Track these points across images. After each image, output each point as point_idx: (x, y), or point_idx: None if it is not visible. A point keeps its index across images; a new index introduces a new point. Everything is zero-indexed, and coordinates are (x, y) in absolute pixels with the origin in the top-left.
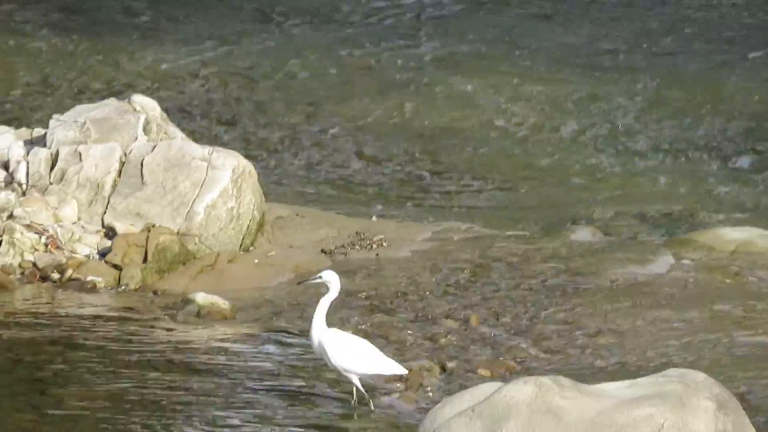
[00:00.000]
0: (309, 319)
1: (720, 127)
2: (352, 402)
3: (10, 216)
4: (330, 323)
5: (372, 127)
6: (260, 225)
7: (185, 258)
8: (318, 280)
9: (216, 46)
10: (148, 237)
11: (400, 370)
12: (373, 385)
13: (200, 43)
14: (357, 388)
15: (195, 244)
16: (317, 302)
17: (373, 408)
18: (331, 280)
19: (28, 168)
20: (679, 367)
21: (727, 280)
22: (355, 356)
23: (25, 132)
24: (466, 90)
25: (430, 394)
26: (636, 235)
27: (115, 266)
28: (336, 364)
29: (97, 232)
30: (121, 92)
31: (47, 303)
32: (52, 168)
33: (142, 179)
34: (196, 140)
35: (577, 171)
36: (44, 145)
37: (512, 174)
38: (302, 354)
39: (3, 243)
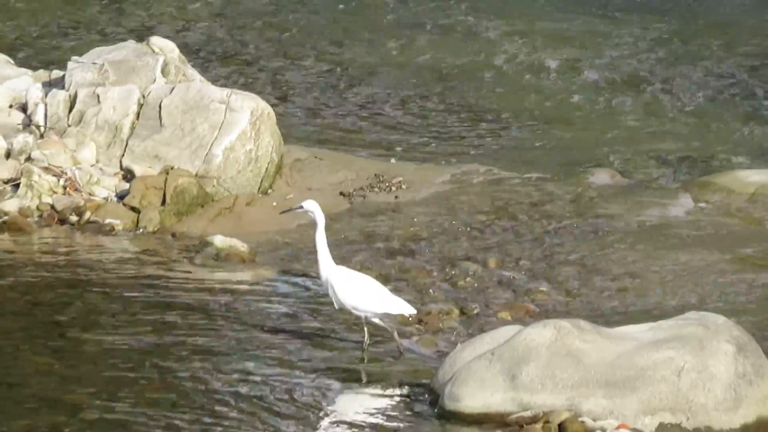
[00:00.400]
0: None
1: (739, 69)
2: (364, 343)
3: (28, 158)
4: (348, 266)
5: (391, 68)
6: (278, 167)
7: (203, 200)
8: (299, 210)
9: None
10: (166, 179)
11: (409, 309)
12: (393, 327)
13: None
14: (367, 326)
15: (213, 186)
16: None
17: (400, 344)
18: (313, 209)
19: (46, 110)
20: (699, 310)
21: (746, 223)
22: (362, 295)
23: (43, 74)
24: (485, 30)
25: (450, 337)
26: (654, 177)
27: (134, 209)
28: (344, 302)
29: (116, 174)
30: (139, 34)
31: (65, 246)
32: (70, 110)
33: (161, 121)
34: (214, 83)
35: (596, 113)
36: (62, 87)
37: (531, 116)
38: (320, 296)
39: (21, 186)
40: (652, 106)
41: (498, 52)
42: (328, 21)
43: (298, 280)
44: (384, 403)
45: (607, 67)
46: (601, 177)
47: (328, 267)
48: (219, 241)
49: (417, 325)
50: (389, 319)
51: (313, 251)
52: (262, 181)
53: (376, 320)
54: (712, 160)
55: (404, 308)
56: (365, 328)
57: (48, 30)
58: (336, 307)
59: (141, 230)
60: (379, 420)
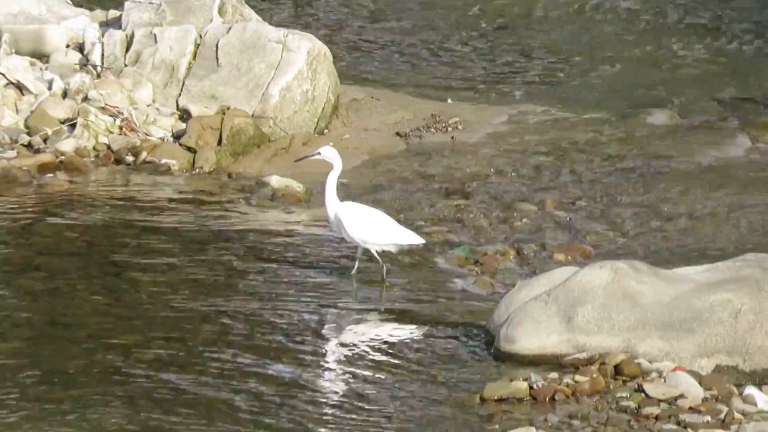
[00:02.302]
0: (381, 202)
1: None
2: (383, 273)
3: (85, 98)
4: (405, 207)
5: (449, 9)
6: (335, 108)
7: (260, 141)
8: (317, 157)
9: None
10: (222, 119)
11: (417, 239)
12: (451, 270)
13: None
14: (375, 258)
15: (269, 126)
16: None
17: (385, 276)
18: (330, 155)
19: (103, 50)
20: (757, 251)
21: None
22: (371, 227)
23: (100, 14)
24: None
25: (505, 278)
26: (713, 118)
27: (190, 149)
28: (352, 235)
29: (172, 114)
30: None
31: (121, 186)
32: (127, 50)
33: (217, 61)
34: (270, 23)
35: (655, 54)
36: (119, 27)
37: (589, 57)
38: None
39: (78, 126)
40: (712, 46)
41: None
42: None
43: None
44: (439, 344)
45: (667, 10)
46: (659, 117)
47: (334, 206)
48: (275, 181)
49: (473, 267)
50: (397, 250)
51: (369, 191)
52: (318, 121)
53: (390, 249)
54: None
55: (412, 239)
56: (379, 259)
57: None
58: (347, 240)
59: (197, 170)
60: (434, 361)
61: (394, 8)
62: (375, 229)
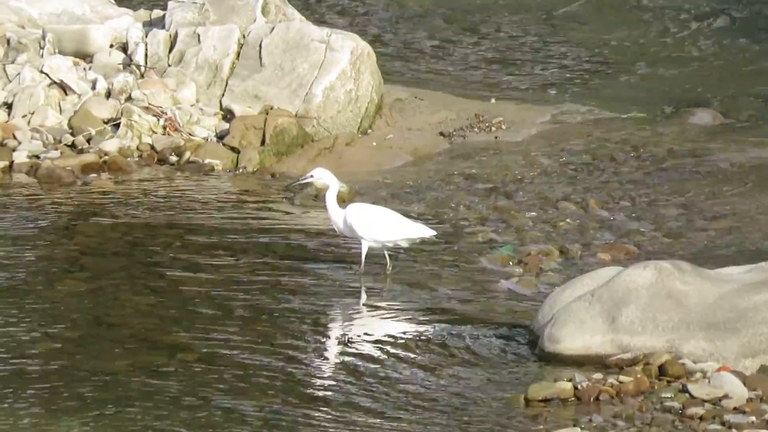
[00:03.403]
0: (425, 202)
1: None
2: (388, 269)
3: (129, 98)
4: (448, 207)
5: (494, 8)
6: (378, 107)
7: (303, 140)
8: (309, 179)
9: None
10: (266, 119)
11: (428, 232)
12: (495, 270)
13: None
14: (387, 256)
15: (313, 126)
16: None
17: (389, 270)
18: (323, 176)
19: (146, 50)
20: None
21: None
22: (381, 224)
23: (143, 14)
24: None
25: (549, 278)
26: (756, 118)
27: (233, 149)
28: (364, 235)
29: (215, 114)
30: None
31: (165, 186)
32: (170, 50)
33: (261, 61)
34: (313, 22)
35: (697, 53)
36: (163, 27)
37: (632, 56)
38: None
39: (121, 125)
40: (755, 46)
41: None
42: None
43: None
44: (483, 344)
45: (710, 9)
46: (703, 117)
47: (340, 215)
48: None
49: (517, 266)
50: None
51: (413, 191)
52: (361, 121)
53: (402, 244)
54: None
55: (423, 231)
56: (387, 257)
57: None
58: (360, 241)
59: (240, 170)
60: (478, 362)
61: (438, 8)
62: (385, 227)
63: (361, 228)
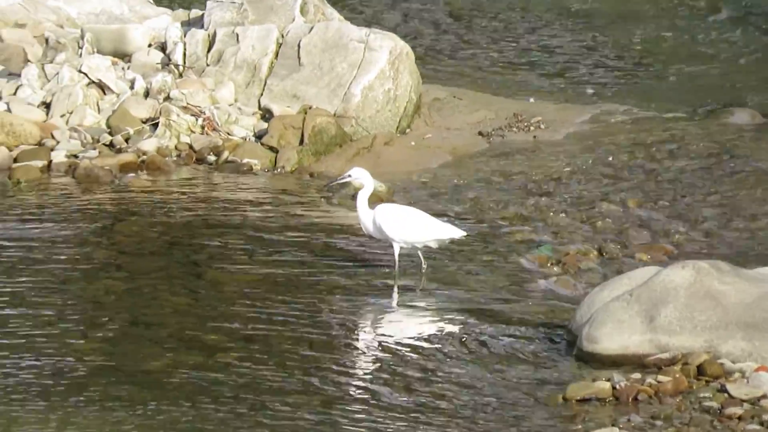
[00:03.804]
0: (463, 202)
1: None
2: (423, 268)
3: (167, 98)
4: (487, 206)
5: (529, 8)
6: (417, 107)
7: (341, 140)
8: (347, 179)
9: None
10: (304, 119)
11: (458, 232)
12: (533, 269)
13: None
14: (420, 256)
15: (351, 126)
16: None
17: (424, 268)
18: (361, 176)
19: (185, 49)
20: None
21: None
22: (410, 225)
23: (182, 13)
24: None
25: (588, 277)
26: None
27: (272, 148)
28: (393, 236)
29: (254, 113)
30: None
31: (203, 185)
32: (208, 49)
33: (299, 61)
34: (352, 22)
35: (735, 52)
36: (201, 27)
37: (671, 56)
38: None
39: (159, 125)
40: None
41: None
42: None
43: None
44: (521, 344)
45: (748, 7)
46: (742, 117)
47: (369, 216)
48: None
49: (555, 266)
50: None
51: (451, 190)
52: (400, 120)
53: (431, 245)
54: None
55: (453, 232)
56: (421, 257)
57: None
58: (390, 242)
59: (279, 170)
60: (516, 361)
61: (476, 8)
62: (414, 227)
63: (390, 229)
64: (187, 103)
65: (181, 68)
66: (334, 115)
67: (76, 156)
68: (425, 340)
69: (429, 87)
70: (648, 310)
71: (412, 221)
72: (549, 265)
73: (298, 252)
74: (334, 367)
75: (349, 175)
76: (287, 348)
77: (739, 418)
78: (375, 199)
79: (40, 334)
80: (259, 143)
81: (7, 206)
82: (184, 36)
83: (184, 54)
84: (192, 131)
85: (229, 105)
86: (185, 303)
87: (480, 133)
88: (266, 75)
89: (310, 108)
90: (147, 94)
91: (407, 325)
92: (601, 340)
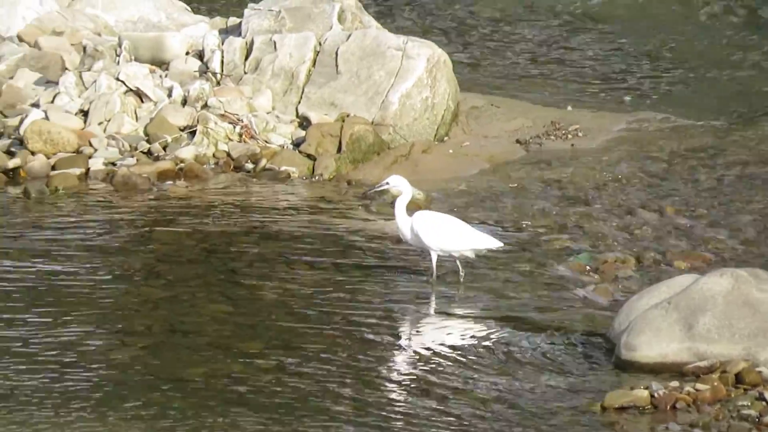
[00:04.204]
0: (501, 210)
1: None
2: (460, 276)
3: (205, 106)
4: (525, 214)
5: (565, 15)
6: (455, 115)
7: (379, 148)
8: (385, 186)
9: None
10: (342, 127)
11: (495, 243)
12: (571, 277)
13: None
14: (458, 264)
15: (389, 133)
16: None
17: (462, 276)
18: (399, 184)
19: (222, 57)
20: None
21: None
22: (448, 233)
23: (219, 21)
24: None
25: (626, 285)
26: None
27: (309, 156)
28: (430, 244)
29: (291, 121)
30: None
31: (241, 193)
32: (246, 57)
33: (337, 69)
34: (389, 30)
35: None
36: (239, 35)
37: (708, 62)
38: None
39: (197, 133)
40: None
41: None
42: None
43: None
44: (560, 352)
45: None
46: None
47: (407, 222)
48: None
49: (593, 274)
50: (476, 255)
51: (489, 198)
52: (438, 128)
53: (468, 254)
54: None
55: (490, 243)
56: (459, 265)
57: None
58: (427, 250)
59: (317, 177)
60: (555, 369)
61: (514, 16)
62: (452, 236)
63: (427, 236)
64: (225, 111)
65: (218, 76)
66: (372, 122)
67: (113, 164)
68: (463, 348)
69: (466, 95)
70: (686, 318)
71: (449, 229)
72: (587, 273)
73: (335, 259)
74: (372, 375)
75: (387, 183)
76: (325, 356)
77: None
78: (413, 207)
79: (78, 343)
80: (296, 151)
81: (45, 214)
82: (222, 44)
83: (222, 62)
84: (230, 139)
85: (267, 113)
86: (223, 311)
87: (517, 141)
88: (304, 83)
89: (347, 116)
90: (185, 102)
91: (445, 333)
92: (640, 348)
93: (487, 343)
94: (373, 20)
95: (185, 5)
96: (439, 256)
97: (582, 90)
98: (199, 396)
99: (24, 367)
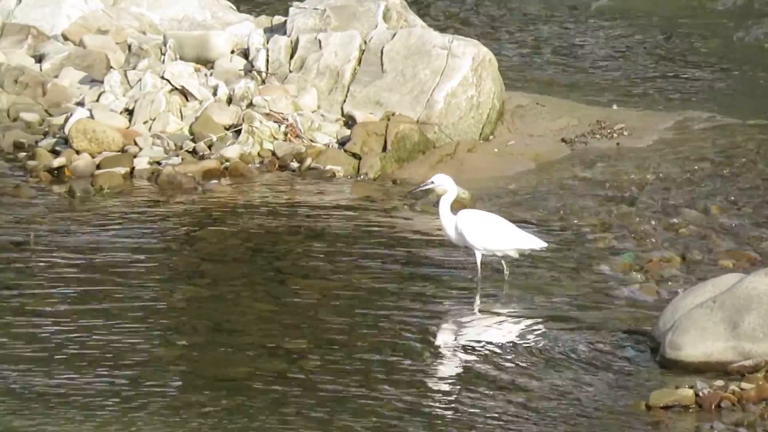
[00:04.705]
0: (546, 209)
1: None
2: (505, 275)
3: (250, 104)
4: (570, 213)
5: (611, 15)
6: (500, 114)
7: (424, 147)
8: (430, 186)
9: None
10: (387, 125)
11: (539, 243)
12: (616, 276)
13: None
14: (503, 263)
15: (434, 132)
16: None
17: (507, 276)
18: (444, 182)
19: (267, 56)
20: None
21: None
22: (492, 232)
23: (264, 20)
24: None
25: (671, 285)
26: None
27: (354, 155)
28: (474, 242)
29: (336, 120)
30: None
31: (286, 192)
32: (291, 56)
33: (382, 67)
34: (435, 28)
35: None
36: (284, 33)
37: (756, 62)
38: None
39: (242, 132)
40: None
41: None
42: None
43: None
44: (604, 351)
45: None
46: None
47: (452, 221)
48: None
49: (638, 273)
50: (520, 255)
51: (534, 197)
52: (483, 127)
53: (512, 254)
54: None
55: (534, 243)
56: (503, 264)
57: None
58: (471, 249)
59: (362, 176)
60: (600, 368)
61: (558, 15)
62: (496, 235)
63: (471, 235)
64: (270, 110)
65: (263, 75)
66: (417, 121)
67: (158, 163)
68: (507, 347)
69: (512, 94)
70: (731, 317)
71: (493, 229)
72: (632, 272)
73: (380, 259)
74: (416, 374)
75: (432, 182)
76: (369, 355)
77: None
78: (458, 206)
79: (122, 341)
80: (341, 150)
81: (90, 213)
82: (267, 42)
83: (267, 60)
84: (275, 138)
85: (312, 111)
86: (268, 310)
87: (563, 140)
88: (349, 81)
89: (392, 114)
90: (230, 101)
91: (489, 332)
92: (684, 347)
93: (531, 342)
94: (419, 19)
95: (230, 4)
96: (483, 255)
97: (628, 89)
98: (243, 395)
99: (70, 366)
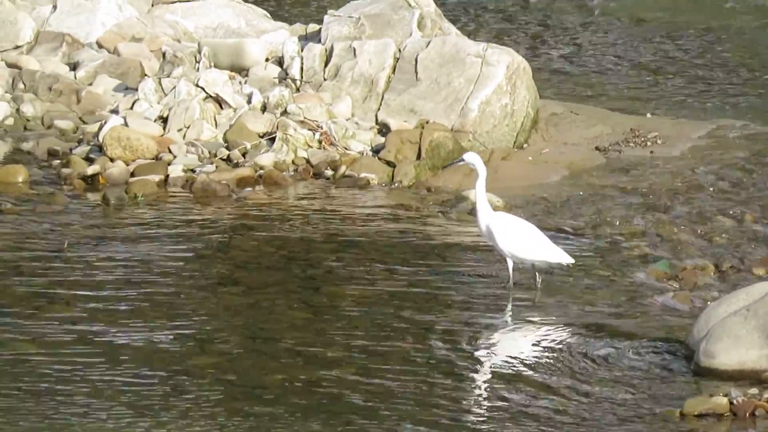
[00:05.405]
0: (580, 217)
1: None
2: (538, 282)
3: (284, 112)
4: (603, 221)
5: (647, 23)
6: (534, 122)
7: (459, 155)
8: (461, 163)
9: None
10: (421, 133)
11: (567, 259)
12: (650, 284)
13: None
14: (535, 270)
15: (468, 140)
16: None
17: (539, 283)
18: (474, 161)
19: (302, 64)
20: None
21: None
22: (522, 241)
23: (299, 28)
24: None
25: (705, 293)
26: None
27: (389, 163)
28: (502, 248)
29: (371, 128)
30: None
31: (320, 200)
32: (325, 64)
33: (416, 75)
34: (469, 36)
35: None
36: (318, 41)
37: None
38: (576, 253)
39: (277, 139)
40: None
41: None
42: None
43: (554, 234)
44: (639, 359)
45: None
46: None
47: (486, 216)
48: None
49: (672, 281)
50: (547, 267)
51: (568, 205)
52: (517, 135)
53: (539, 265)
54: None
55: (562, 257)
56: (536, 272)
57: None
58: (498, 252)
59: (396, 184)
60: (634, 376)
61: (592, 23)
62: (525, 244)
63: (501, 239)
64: (304, 118)
65: (298, 83)
66: (451, 129)
67: (193, 170)
68: (540, 354)
69: (546, 102)
70: (765, 325)
71: (522, 237)
72: (666, 280)
73: (414, 266)
74: (450, 381)
75: (463, 159)
76: (404, 363)
77: None
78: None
79: (158, 349)
80: (376, 158)
81: (124, 221)
82: (301, 50)
83: (302, 68)
84: (309, 146)
85: (346, 119)
86: (303, 318)
87: (597, 148)
88: (383, 89)
89: (427, 122)
90: (264, 109)
91: (522, 339)
92: (718, 355)
93: (564, 349)
94: (453, 27)
95: (265, 12)
96: (514, 262)
97: (662, 97)
98: (278, 403)
99: (104, 372)
